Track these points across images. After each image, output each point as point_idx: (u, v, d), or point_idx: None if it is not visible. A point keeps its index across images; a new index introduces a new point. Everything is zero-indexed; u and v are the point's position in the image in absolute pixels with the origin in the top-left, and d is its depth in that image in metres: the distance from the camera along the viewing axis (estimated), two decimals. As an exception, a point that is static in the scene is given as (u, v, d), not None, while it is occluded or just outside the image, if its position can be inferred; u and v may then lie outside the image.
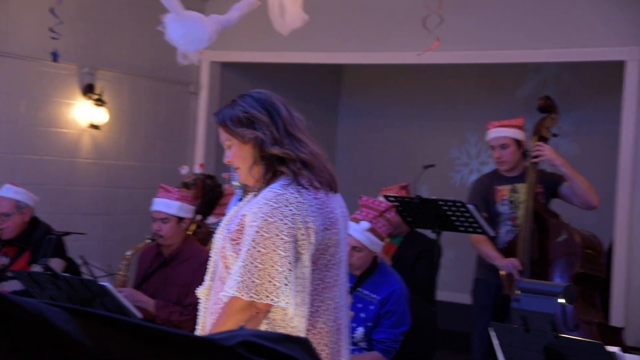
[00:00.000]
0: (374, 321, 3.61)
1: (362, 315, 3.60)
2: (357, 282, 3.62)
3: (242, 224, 2.26)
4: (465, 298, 4.85)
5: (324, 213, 2.28)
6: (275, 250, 2.17)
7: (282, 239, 2.18)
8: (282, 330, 2.24)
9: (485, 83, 7.63)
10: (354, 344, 3.62)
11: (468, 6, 5.92)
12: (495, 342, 2.43)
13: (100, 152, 6.38)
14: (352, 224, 3.45)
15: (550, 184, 4.59)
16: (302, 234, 2.21)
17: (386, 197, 4.72)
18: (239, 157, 2.33)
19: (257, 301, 2.17)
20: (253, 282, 2.17)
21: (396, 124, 8.06)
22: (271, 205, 2.21)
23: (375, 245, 3.58)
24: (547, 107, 4.62)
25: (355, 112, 8.35)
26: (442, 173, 7.66)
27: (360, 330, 3.60)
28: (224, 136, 2.35)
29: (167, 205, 4.16)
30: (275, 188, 2.26)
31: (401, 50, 6.13)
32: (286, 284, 2.17)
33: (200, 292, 2.40)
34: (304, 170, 2.29)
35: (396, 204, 4.65)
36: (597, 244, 4.45)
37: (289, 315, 2.23)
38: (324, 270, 2.31)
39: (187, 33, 4.08)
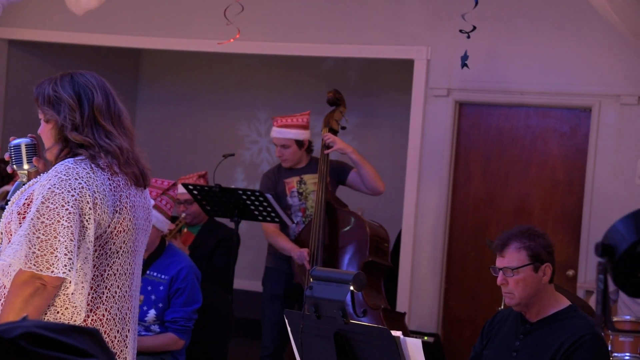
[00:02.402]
0: (164, 302, 3.64)
1: (153, 297, 3.63)
2: (145, 264, 3.63)
3: (30, 198, 2.22)
4: (259, 286, 4.92)
5: (115, 196, 2.26)
6: (59, 221, 2.15)
7: (67, 209, 2.15)
8: (63, 311, 2.22)
9: (286, 74, 7.76)
10: (146, 327, 3.62)
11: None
12: (288, 329, 2.48)
13: None
14: None
15: (337, 172, 4.76)
16: (89, 208, 2.19)
17: (185, 185, 4.67)
18: (43, 133, 2.35)
19: (37, 272, 2.13)
20: (34, 252, 2.13)
21: (197, 112, 8.00)
22: (60, 178, 2.19)
23: (162, 223, 3.64)
24: (336, 101, 4.79)
25: (155, 98, 8.18)
26: (242, 160, 7.70)
27: (152, 313, 3.62)
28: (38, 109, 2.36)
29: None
30: (67, 162, 2.24)
31: (201, 38, 6.08)
32: (67, 255, 2.14)
33: None
34: (103, 156, 2.27)
35: (195, 192, 4.62)
36: (384, 234, 4.70)
37: (70, 290, 2.19)
38: (113, 257, 2.28)
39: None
